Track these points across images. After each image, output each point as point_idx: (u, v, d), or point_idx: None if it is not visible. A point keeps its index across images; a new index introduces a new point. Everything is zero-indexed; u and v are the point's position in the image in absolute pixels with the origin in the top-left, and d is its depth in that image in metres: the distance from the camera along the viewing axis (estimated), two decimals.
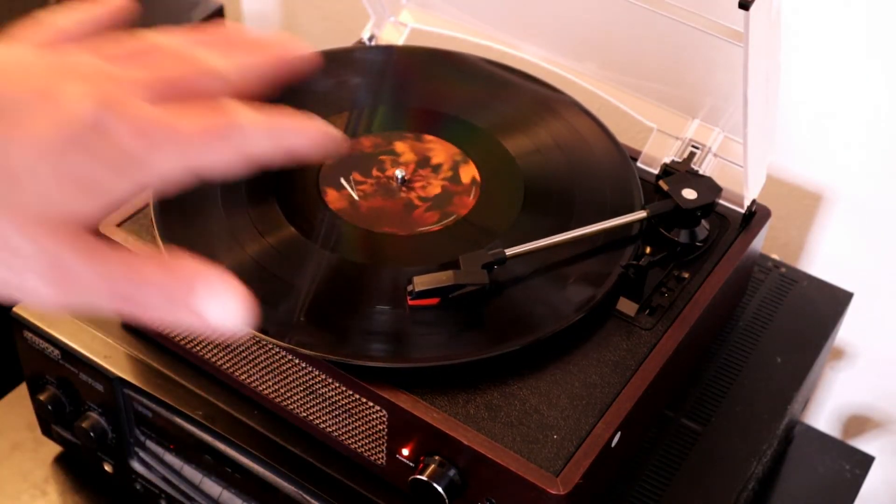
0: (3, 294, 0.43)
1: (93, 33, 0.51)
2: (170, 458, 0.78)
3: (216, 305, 0.43)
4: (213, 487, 0.77)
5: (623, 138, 0.82)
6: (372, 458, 0.69)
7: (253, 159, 0.46)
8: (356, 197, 0.74)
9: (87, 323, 0.78)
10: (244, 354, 0.71)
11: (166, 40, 0.49)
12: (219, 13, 1.14)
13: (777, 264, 0.90)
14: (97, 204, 0.44)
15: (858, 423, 1.08)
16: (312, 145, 0.48)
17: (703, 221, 0.76)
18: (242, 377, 0.72)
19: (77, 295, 0.43)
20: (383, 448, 0.68)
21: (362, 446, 0.69)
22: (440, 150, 0.79)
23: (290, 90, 0.84)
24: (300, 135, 0.48)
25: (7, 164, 0.42)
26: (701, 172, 0.79)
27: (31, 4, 1.11)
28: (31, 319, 0.77)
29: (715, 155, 0.80)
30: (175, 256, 0.44)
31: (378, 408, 0.66)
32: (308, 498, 0.71)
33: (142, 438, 0.79)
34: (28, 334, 0.78)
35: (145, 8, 1.23)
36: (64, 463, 0.86)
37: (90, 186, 0.43)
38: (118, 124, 0.43)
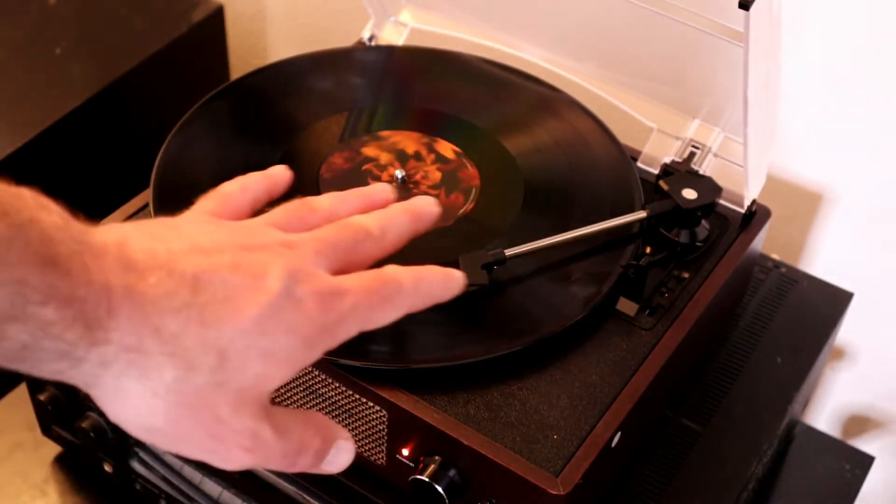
0: (211, 461, 0.47)
1: (258, 200, 0.56)
2: (170, 458, 0.78)
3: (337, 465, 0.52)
4: (213, 487, 0.77)
5: (623, 138, 0.82)
6: (372, 459, 0.69)
7: (407, 313, 0.51)
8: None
9: None
10: None
11: (325, 203, 0.54)
12: (219, 13, 1.14)
13: (777, 264, 0.90)
14: (287, 375, 0.47)
15: (858, 423, 1.08)
16: (450, 293, 0.54)
17: (704, 221, 0.76)
18: None
19: (265, 462, 0.48)
20: (383, 448, 0.68)
21: (362, 446, 0.69)
22: (440, 150, 0.79)
23: (292, 91, 0.84)
24: (443, 286, 0.53)
25: (221, 345, 0.44)
26: (701, 172, 0.79)
27: (30, 5, 1.10)
28: None
29: (715, 155, 0.80)
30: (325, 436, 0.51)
31: (378, 408, 0.66)
32: (308, 498, 0.71)
33: None
34: None
35: (146, 8, 1.23)
36: (64, 463, 0.86)
37: (284, 359, 0.46)
38: (307, 296, 0.46)
